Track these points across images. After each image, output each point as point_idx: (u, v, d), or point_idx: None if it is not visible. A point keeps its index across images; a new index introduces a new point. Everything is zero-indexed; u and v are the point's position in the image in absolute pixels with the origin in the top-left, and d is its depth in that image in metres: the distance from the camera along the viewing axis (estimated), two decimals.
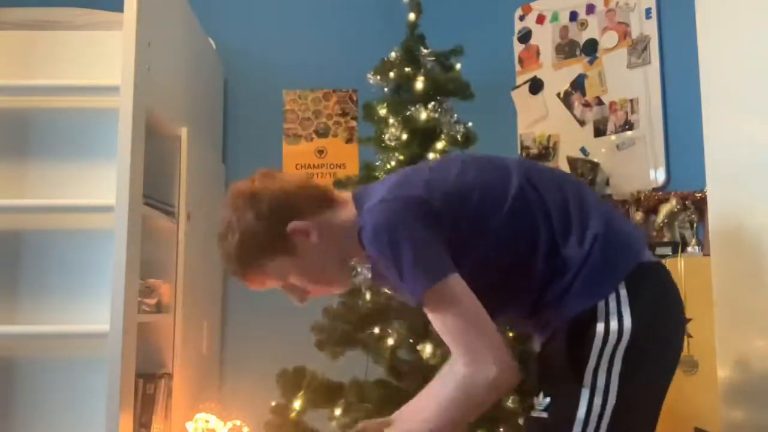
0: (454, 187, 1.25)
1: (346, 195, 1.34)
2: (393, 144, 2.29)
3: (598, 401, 1.15)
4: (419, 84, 2.34)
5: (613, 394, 1.15)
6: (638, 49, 2.82)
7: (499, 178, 1.27)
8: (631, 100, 2.83)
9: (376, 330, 2.15)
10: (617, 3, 2.90)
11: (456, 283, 1.15)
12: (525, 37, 3.20)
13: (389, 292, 1.53)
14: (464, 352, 1.15)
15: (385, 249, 1.16)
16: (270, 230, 1.24)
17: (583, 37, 3.01)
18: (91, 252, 2.25)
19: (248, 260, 1.27)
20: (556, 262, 1.21)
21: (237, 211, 1.26)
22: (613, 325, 1.16)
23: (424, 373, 1.90)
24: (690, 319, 2.16)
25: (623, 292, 1.18)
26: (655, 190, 2.68)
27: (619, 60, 2.88)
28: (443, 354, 1.98)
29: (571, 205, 1.25)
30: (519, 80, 3.19)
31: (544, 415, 1.19)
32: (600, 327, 1.17)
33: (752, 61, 1.80)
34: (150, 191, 2.27)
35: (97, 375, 2.11)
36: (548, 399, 1.20)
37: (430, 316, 1.18)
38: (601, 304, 1.18)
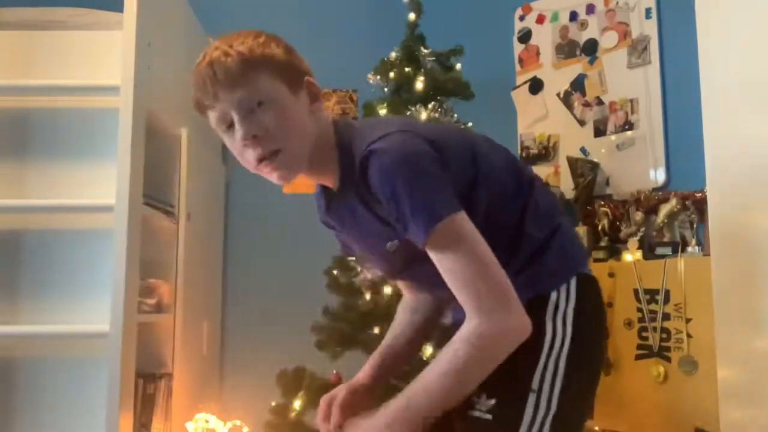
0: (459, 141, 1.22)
1: None
2: None
3: (542, 406, 1.12)
4: (419, 84, 2.34)
5: (555, 401, 1.13)
6: (638, 49, 2.82)
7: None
8: (631, 100, 2.83)
9: (376, 330, 2.15)
10: (617, 3, 2.90)
11: (464, 220, 1.09)
12: (525, 37, 3.20)
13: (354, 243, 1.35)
14: (476, 303, 1.07)
15: (401, 183, 1.07)
16: (291, 63, 1.17)
17: (583, 37, 3.01)
18: (91, 252, 2.26)
19: (253, 63, 1.12)
20: (519, 236, 1.20)
21: (258, 37, 1.14)
22: (559, 328, 1.15)
23: None
24: (690, 320, 2.18)
25: (573, 290, 1.18)
26: (655, 190, 2.68)
27: (619, 60, 2.88)
28: None
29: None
30: (519, 80, 3.19)
31: (488, 417, 1.12)
32: (549, 328, 1.15)
33: (752, 61, 1.80)
34: (150, 191, 2.26)
35: (97, 375, 2.11)
36: (493, 401, 1.12)
37: (436, 260, 1.09)
38: (553, 294, 1.17)
